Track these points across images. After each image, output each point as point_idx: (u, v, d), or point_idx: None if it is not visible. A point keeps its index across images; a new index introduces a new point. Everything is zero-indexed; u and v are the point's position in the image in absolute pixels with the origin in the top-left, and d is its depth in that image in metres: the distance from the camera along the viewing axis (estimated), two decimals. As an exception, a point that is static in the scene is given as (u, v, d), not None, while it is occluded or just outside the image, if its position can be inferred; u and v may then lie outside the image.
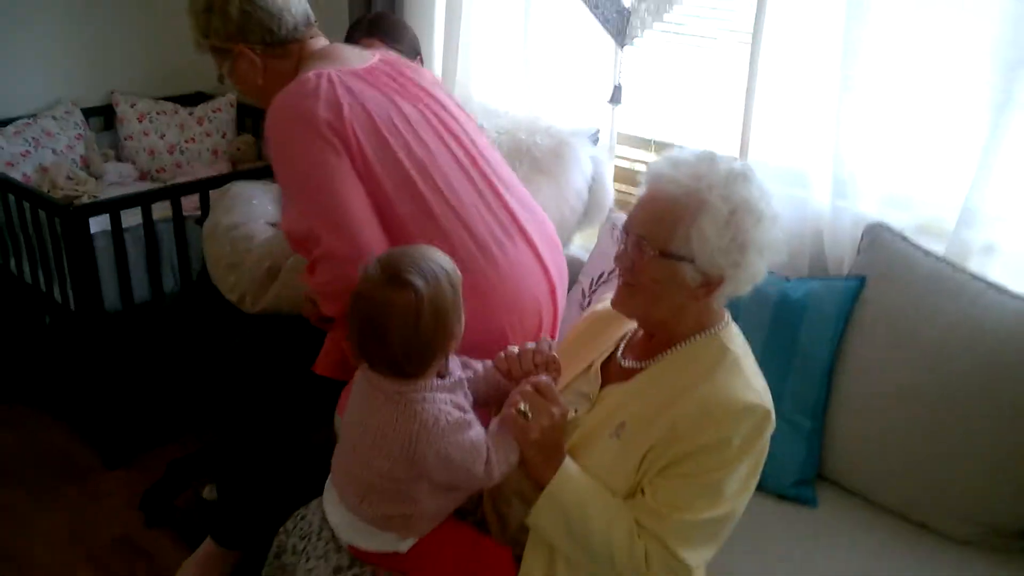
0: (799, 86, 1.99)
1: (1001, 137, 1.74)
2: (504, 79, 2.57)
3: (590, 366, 1.46)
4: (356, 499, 1.35)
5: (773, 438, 1.80)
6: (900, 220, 1.92)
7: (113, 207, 2.29)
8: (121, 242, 2.31)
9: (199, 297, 2.18)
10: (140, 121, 3.17)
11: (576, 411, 1.40)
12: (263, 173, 2.56)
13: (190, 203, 2.49)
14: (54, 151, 2.92)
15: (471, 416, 1.32)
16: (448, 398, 1.31)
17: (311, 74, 1.57)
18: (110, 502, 2.38)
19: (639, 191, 1.37)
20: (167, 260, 2.48)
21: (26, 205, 2.39)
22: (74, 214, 2.19)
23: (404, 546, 1.35)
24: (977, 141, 1.79)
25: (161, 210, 2.40)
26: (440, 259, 1.32)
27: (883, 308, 1.83)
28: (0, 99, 2.96)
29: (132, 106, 3.18)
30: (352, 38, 2.14)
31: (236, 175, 2.49)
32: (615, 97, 2.30)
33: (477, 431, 1.30)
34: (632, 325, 1.46)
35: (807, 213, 2.05)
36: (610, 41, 2.27)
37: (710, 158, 1.31)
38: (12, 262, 2.58)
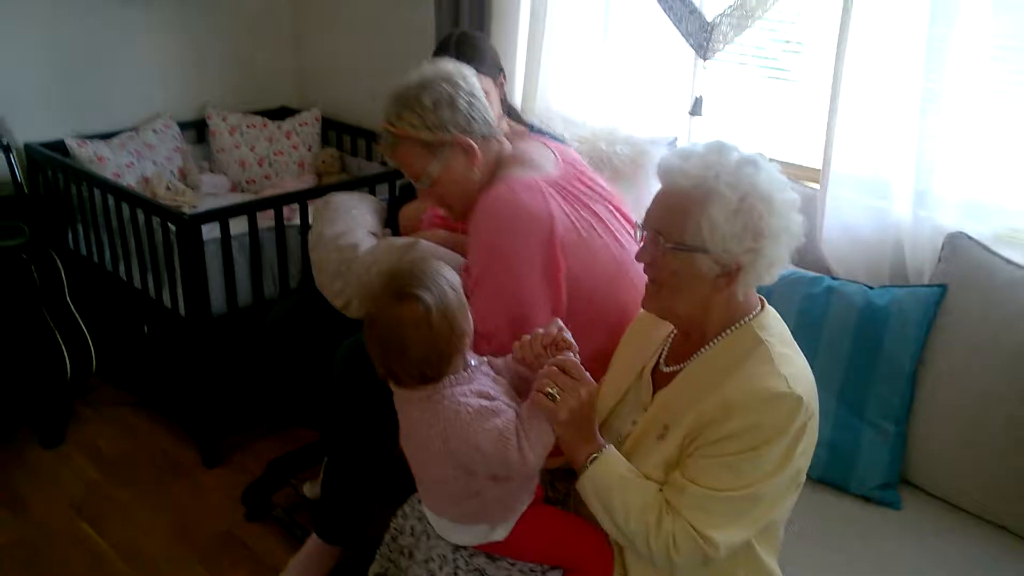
0: (881, 98, 2.04)
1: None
2: (583, 90, 2.66)
3: (642, 372, 1.50)
4: (436, 504, 1.45)
5: (862, 442, 1.88)
6: (979, 230, 1.96)
7: (222, 215, 2.43)
8: (229, 249, 2.45)
9: (301, 303, 2.30)
10: (231, 134, 3.34)
11: (635, 422, 1.44)
12: (357, 185, 2.69)
13: (289, 212, 2.63)
14: (155, 163, 3.09)
15: (498, 402, 1.35)
16: (467, 389, 1.36)
17: (529, 181, 1.67)
18: (212, 498, 2.53)
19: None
20: (268, 267, 2.61)
21: (139, 213, 2.55)
22: (189, 222, 2.34)
23: (498, 535, 1.43)
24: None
25: (263, 220, 2.54)
26: (436, 266, 1.39)
27: (964, 315, 1.87)
28: (105, 113, 3.15)
29: (224, 120, 3.35)
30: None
31: (333, 187, 2.60)
32: (696, 109, 2.37)
33: (505, 417, 1.32)
34: (670, 328, 1.49)
35: (888, 223, 2.10)
36: (690, 51, 2.35)
37: (719, 148, 1.34)
38: (122, 267, 2.74)
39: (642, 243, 1.39)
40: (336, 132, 3.46)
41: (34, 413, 2.76)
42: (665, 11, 2.30)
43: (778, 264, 1.34)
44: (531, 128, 2.35)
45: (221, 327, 2.53)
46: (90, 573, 2.24)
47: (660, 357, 1.49)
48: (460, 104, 1.69)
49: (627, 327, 1.63)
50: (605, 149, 2.42)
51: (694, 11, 2.25)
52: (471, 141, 1.71)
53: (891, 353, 1.90)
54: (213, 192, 3.17)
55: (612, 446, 1.37)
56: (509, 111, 2.33)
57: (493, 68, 2.23)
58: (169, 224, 2.42)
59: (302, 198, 2.59)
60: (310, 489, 2.39)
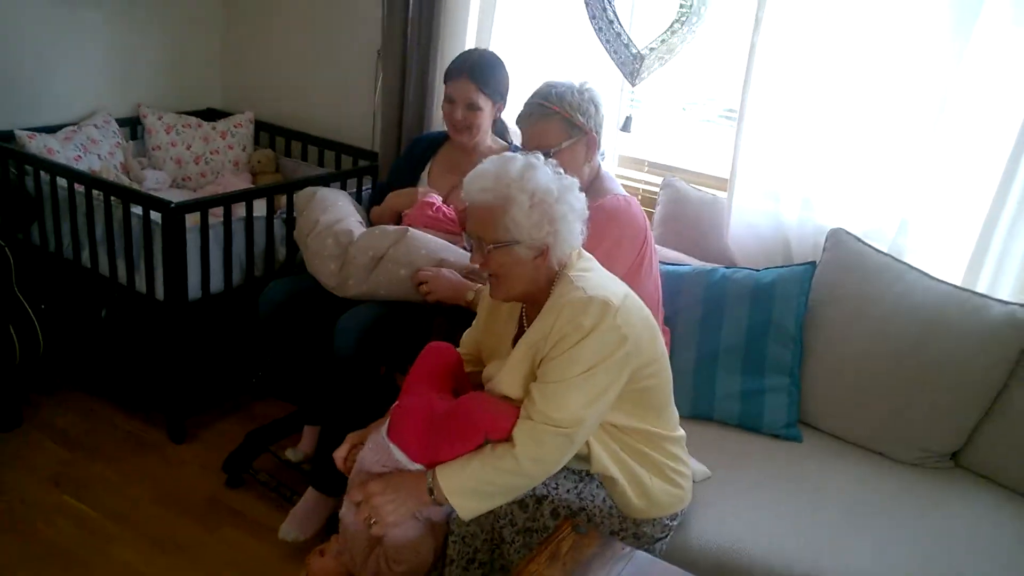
0: (776, 123, 2.57)
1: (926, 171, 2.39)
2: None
3: (513, 342, 1.82)
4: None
5: (766, 392, 2.38)
6: (850, 227, 2.51)
7: (203, 206, 2.63)
8: (206, 238, 2.66)
9: (292, 285, 2.54)
10: (167, 132, 3.48)
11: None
12: (328, 180, 2.98)
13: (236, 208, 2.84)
14: (99, 157, 3.20)
15: None
16: None
17: (631, 199, 2.23)
18: (188, 470, 2.71)
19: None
20: (237, 256, 2.82)
21: (115, 202, 2.69)
22: (174, 211, 2.53)
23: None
24: (911, 171, 2.43)
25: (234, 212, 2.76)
26: None
27: (843, 291, 2.41)
28: (45, 107, 3.22)
29: (159, 118, 3.48)
30: (456, 75, 2.50)
31: (309, 182, 2.84)
32: (626, 126, 2.82)
33: None
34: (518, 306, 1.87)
35: (780, 222, 2.64)
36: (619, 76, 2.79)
37: (503, 162, 1.70)
38: (84, 255, 2.86)
39: (471, 251, 1.79)
40: (269, 134, 3.67)
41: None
42: (602, 42, 2.73)
43: (575, 234, 1.72)
44: (512, 147, 2.68)
45: (196, 311, 2.72)
46: (83, 537, 2.38)
47: (521, 325, 1.86)
48: (601, 114, 2.19)
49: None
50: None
51: (628, 44, 2.71)
52: (596, 139, 2.21)
53: (779, 320, 2.40)
54: (156, 187, 3.30)
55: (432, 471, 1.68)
56: (499, 131, 2.70)
57: (496, 93, 2.54)
58: (151, 212, 2.59)
59: (290, 190, 2.84)
60: (293, 454, 2.64)
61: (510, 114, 2.49)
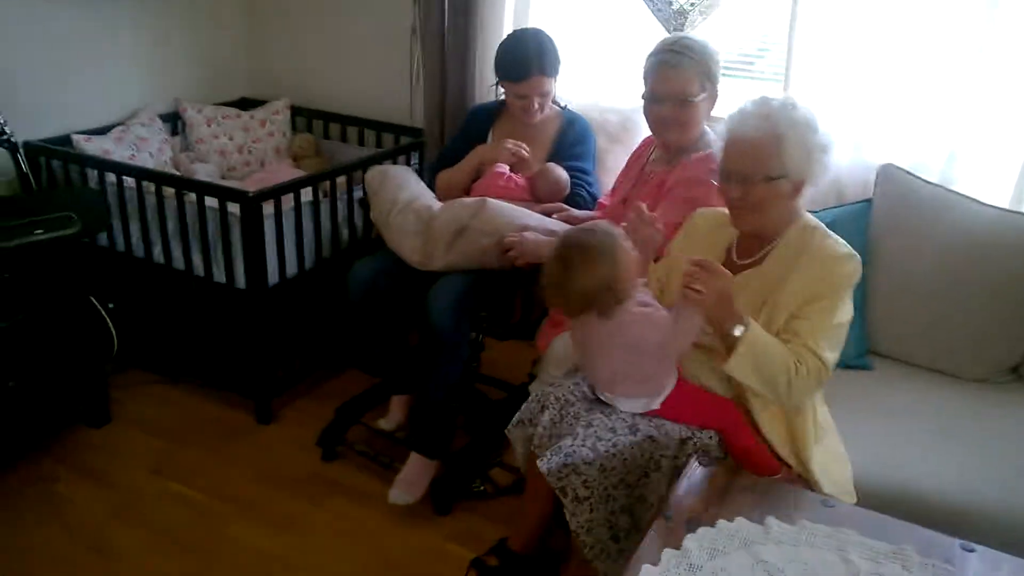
0: (824, 78, 2.68)
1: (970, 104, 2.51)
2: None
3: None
4: (612, 386, 1.92)
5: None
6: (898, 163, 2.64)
7: (277, 193, 2.71)
8: (280, 224, 2.74)
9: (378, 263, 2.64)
10: (208, 125, 3.53)
11: None
12: (376, 160, 3.04)
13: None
14: (151, 155, 3.25)
15: (652, 307, 1.89)
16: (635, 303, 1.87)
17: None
18: (282, 449, 2.81)
19: (723, 144, 1.91)
20: (307, 239, 2.90)
21: (188, 196, 2.77)
22: (252, 200, 2.60)
23: (656, 403, 1.92)
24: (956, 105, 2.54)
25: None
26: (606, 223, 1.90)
27: (900, 224, 2.53)
28: (92, 109, 3.26)
29: (199, 112, 3.53)
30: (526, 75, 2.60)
31: (374, 160, 2.96)
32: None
33: (660, 314, 1.84)
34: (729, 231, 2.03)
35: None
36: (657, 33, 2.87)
37: (762, 102, 1.87)
38: (156, 251, 2.93)
39: (725, 184, 1.91)
40: (306, 118, 3.73)
41: (76, 397, 2.89)
42: (646, 1, 2.82)
43: (828, 171, 1.89)
44: (564, 109, 2.82)
45: (275, 296, 2.81)
46: (197, 519, 2.49)
47: (731, 254, 2.01)
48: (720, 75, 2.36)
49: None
50: (597, 118, 2.92)
51: (671, 2, 2.79)
52: (717, 96, 2.34)
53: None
54: (208, 180, 3.36)
55: (750, 317, 1.83)
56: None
57: (558, 71, 2.67)
58: (228, 204, 2.67)
59: (364, 165, 2.92)
60: (386, 423, 2.75)
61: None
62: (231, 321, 2.87)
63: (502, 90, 2.77)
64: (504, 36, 2.84)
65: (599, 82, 3.05)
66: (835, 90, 2.67)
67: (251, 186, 2.93)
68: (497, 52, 2.66)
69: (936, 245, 2.47)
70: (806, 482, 1.90)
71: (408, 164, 3.22)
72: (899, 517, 1.67)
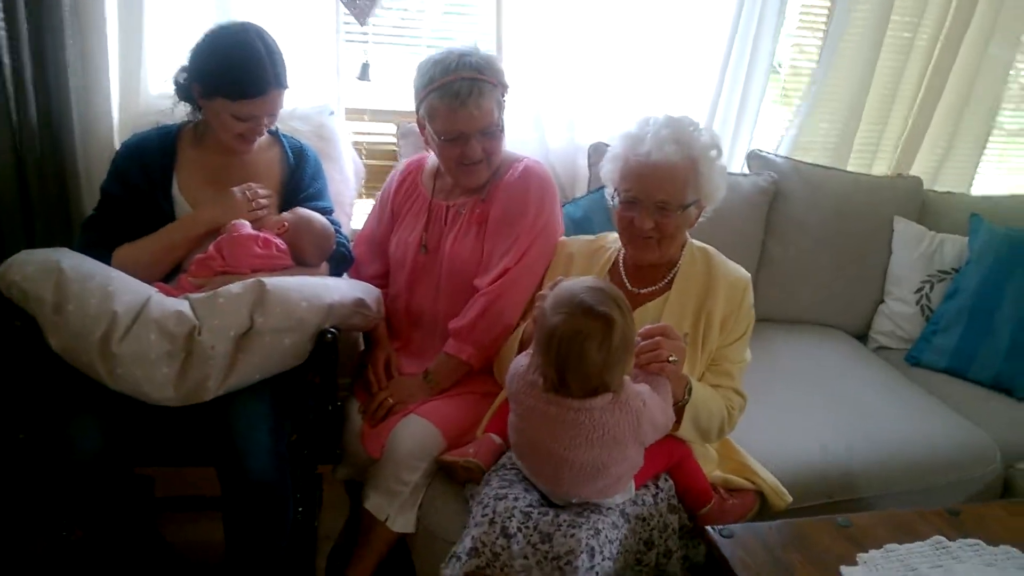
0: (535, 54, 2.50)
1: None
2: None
3: None
4: (593, 487, 1.55)
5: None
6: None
7: None
8: None
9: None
10: None
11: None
12: None
13: None
14: None
15: (643, 385, 1.57)
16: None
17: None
18: None
19: (625, 169, 1.70)
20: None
21: None
22: None
23: (631, 492, 1.62)
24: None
25: None
26: (610, 287, 1.51)
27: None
28: None
29: None
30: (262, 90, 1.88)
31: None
32: (363, 74, 2.40)
33: (649, 393, 1.54)
34: (607, 256, 1.86)
35: (546, 148, 2.59)
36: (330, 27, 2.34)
37: (672, 122, 1.69)
38: None
39: (635, 215, 1.68)
40: None
41: None
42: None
43: (720, 191, 1.75)
44: (282, 136, 2.13)
45: None
46: None
47: (624, 285, 1.80)
48: None
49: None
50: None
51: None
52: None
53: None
54: None
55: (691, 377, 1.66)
56: None
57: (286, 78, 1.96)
58: None
59: None
60: None
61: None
62: None
63: (182, 113, 1.96)
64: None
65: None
66: (549, 70, 2.52)
67: None
68: (207, 60, 1.84)
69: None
70: (742, 502, 1.82)
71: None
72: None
